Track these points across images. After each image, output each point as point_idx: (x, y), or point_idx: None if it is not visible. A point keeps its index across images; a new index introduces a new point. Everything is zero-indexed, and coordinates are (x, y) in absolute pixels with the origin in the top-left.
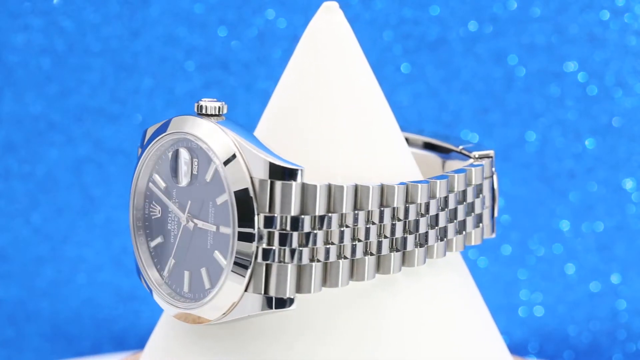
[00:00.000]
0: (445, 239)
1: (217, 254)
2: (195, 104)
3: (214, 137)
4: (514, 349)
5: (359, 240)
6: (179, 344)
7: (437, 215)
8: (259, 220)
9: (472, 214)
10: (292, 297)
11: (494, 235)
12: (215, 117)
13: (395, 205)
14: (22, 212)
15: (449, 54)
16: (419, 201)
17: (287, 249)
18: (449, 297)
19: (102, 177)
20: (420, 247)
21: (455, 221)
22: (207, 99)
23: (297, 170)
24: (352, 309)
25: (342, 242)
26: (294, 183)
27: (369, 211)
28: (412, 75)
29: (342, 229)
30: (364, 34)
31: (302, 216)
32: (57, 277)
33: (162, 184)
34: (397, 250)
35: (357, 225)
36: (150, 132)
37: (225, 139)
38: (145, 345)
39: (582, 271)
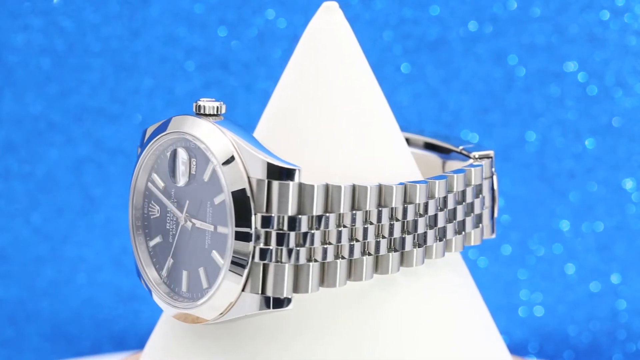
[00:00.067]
0: (444, 239)
1: (215, 254)
2: (194, 104)
3: (212, 137)
4: (514, 349)
5: (357, 240)
6: (179, 344)
7: (435, 216)
8: (256, 220)
9: (472, 214)
10: (289, 297)
11: (494, 236)
12: (214, 117)
13: (393, 206)
14: (22, 212)
15: (449, 54)
16: (417, 201)
17: (285, 249)
18: (448, 297)
19: (102, 177)
20: (418, 247)
21: (454, 221)
22: (205, 99)
23: (294, 170)
24: (350, 309)
25: (340, 242)
26: (291, 183)
27: (367, 211)
28: (412, 75)
29: (339, 229)
30: (364, 34)
31: (300, 216)
32: (57, 277)
33: (161, 184)
34: (396, 251)
35: (355, 225)
36: (149, 131)
37: (223, 139)
38: (145, 345)
39: (582, 271)
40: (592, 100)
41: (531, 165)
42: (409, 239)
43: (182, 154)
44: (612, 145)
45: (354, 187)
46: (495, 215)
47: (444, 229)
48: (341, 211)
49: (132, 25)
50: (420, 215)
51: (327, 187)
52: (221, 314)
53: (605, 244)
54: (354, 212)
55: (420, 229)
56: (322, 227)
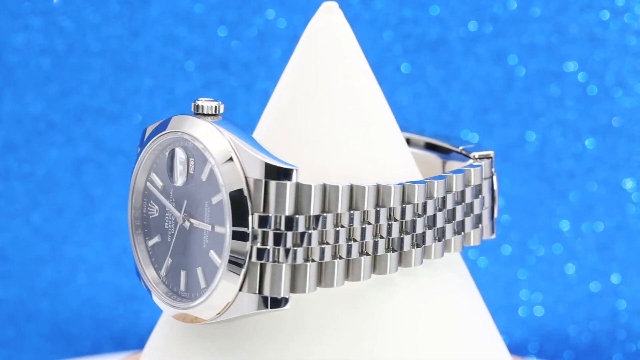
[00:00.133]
0: (443, 240)
1: (213, 254)
2: (192, 104)
3: (210, 137)
4: (514, 349)
5: (355, 241)
6: (179, 344)
7: (434, 216)
8: (253, 220)
9: (471, 214)
10: (286, 296)
11: (493, 236)
12: (212, 117)
13: (391, 206)
14: (22, 212)
15: (449, 54)
16: (415, 201)
17: (282, 249)
18: (447, 298)
19: (102, 177)
20: (417, 247)
21: (453, 222)
22: (204, 99)
23: (292, 170)
24: (348, 309)
25: (338, 242)
26: (288, 183)
27: (364, 211)
28: (412, 75)
29: (337, 229)
30: (364, 34)
31: (297, 216)
32: (57, 277)
33: (160, 183)
34: (394, 251)
35: (352, 226)
36: (149, 130)
37: (221, 139)
38: (145, 345)
39: (582, 271)
40: (592, 100)
41: (531, 165)
42: (407, 239)
43: (180, 154)
44: (612, 145)
45: (351, 187)
46: (495, 215)
47: (442, 229)
48: (339, 211)
49: (132, 25)
50: (419, 216)
51: (324, 187)
52: (218, 313)
53: (605, 244)
54: (351, 212)
55: (419, 229)
56: (319, 227)
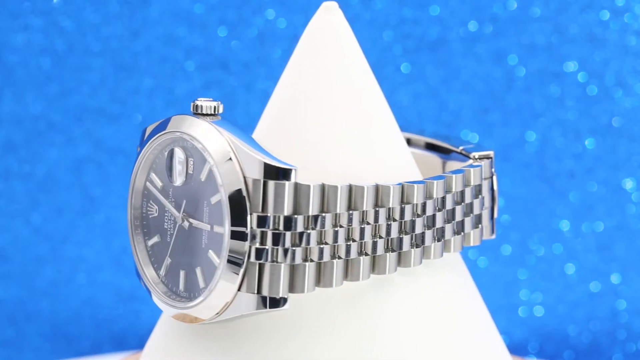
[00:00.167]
0: (442, 240)
1: (211, 254)
2: (192, 104)
3: (209, 137)
4: (514, 349)
5: (354, 241)
6: (178, 344)
7: (434, 216)
8: (251, 220)
9: (471, 214)
10: (285, 296)
11: (493, 237)
12: (211, 117)
13: (390, 206)
14: (22, 212)
15: (449, 54)
16: (415, 202)
17: (280, 249)
18: (447, 298)
19: (102, 177)
20: (416, 247)
21: (452, 222)
22: (203, 99)
23: (290, 170)
24: (348, 309)
25: (336, 242)
26: (286, 183)
27: (363, 211)
28: (412, 75)
29: (336, 229)
30: (364, 34)
31: (295, 216)
32: (57, 277)
33: (159, 183)
34: (393, 251)
35: (351, 226)
36: (149, 130)
37: (219, 139)
38: (145, 345)
39: (582, 271)
40: (592, 100)
41: (531, 165)
42: (406, 239)
43: (178, 154)
44: (612, 145)
45: (350, 187)
46: (495, 215)
47: (442, 230)
48: (337, 211)
49: (132, 25)
50: (418, 216)
51: (323, 187)
52: (217, 313)
53: (605, 244)
54: (350, 212)
55: (418, 229)
56: (318, 227)
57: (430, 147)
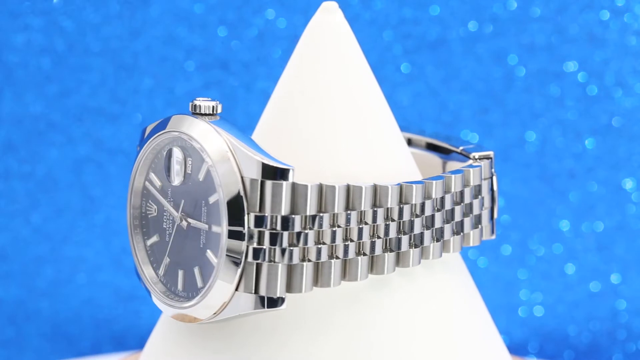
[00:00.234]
0: (441, 240)
1: (209, 253)
2: (190, 104)
3: (207, 137)
4: (514, 349)
5: (352, 241)
6: (178, 344)
7: (432, 216)
8: (249, 220)
9: (470, 215)
10: (282, 296)
11: (493, 237)
12: (210, 117)
13: (389, 206)
14: (22, 212)
15: (449, 54)
16: (413, 202)
17: (278, 249)
18: (446, 298)
19: (102, 177)
20: (415, 247)
21: (452, 222)
22: (201, 99)
23: (288, 170)
24: (346, 309)
25: (334, 242)
26: (284, 183)
27: (361, 211)
28: (412, 75)
29: (333, 229)
30: (364, 34)
31: (293, 216)
32: (57, 277)
33: (158, 183)
34: (391, 251)
35: (349, 226)
36: (148, 130)
37: (218, 139)
38: (145, 345)
39: (582, 271)
40: (592, 100)
41: (531, 165)
42: (405, 239)
43: (177, 153)
44: (612, 145)
45: (348, 187)
46: (495, 216)
47: (441, 230)
48: (335, 211)
49: (132, 25)
50: (417, 216)
51: (320, 187)
52: (215, 313)
53: (605, 244)
54: (348, 212)
55: (417, 229)
56: (315, 227)
57: (430, 147)
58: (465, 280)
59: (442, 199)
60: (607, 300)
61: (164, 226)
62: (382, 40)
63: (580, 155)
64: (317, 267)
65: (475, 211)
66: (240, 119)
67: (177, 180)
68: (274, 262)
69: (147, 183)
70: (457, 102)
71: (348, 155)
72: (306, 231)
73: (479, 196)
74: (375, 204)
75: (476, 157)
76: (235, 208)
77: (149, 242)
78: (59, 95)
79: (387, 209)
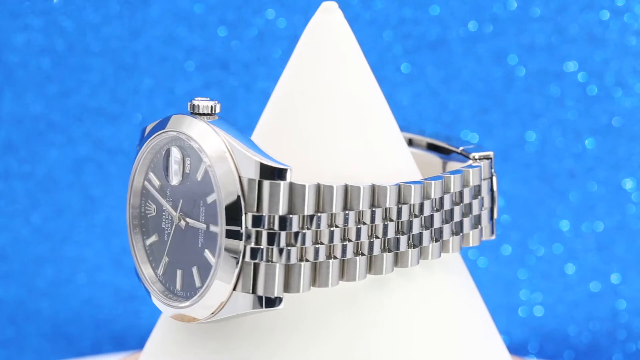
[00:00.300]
0: (440, 240)
1: (207, 253)
2: (189, 103)
3: (205, 136)
4: (514, 349)
5: (350, 241)
6: (178, 344)
7: (431, 216)
8: (246, 220)
9: (470, 215)
10: (280, 296)
11: (493, 237)
12: (208, 117)
13: (387, 206)
14: (22, 212)
15: (449, 54)
16: (412, 202)
17: (275, 249)
18: (446, 298)
19: (102, 177)
20: (413, 247)
21: (451, 222)
22: (200, 98)
23: (286, 170)
24: (345, 309)
25: (332, 242)
26: (282, 183)
27: (359, 211)
28: (412, 75)
29: (331, 229)
30: (364, 34)
31: (290, 216)
32: (57, 277)
33: (157, 183)
34: (390, 251)
35: (347, 226)
36: (148, 129)
37: (216, 139)
38: (144, 345)
39: (582, 271)
40: (592, 100)
41: (531, 165)
42: (403, 239)
43: (175, 153)
44: (612, 145)
45: (346, 187)
46: (495, 216)
47: (440, 230)
48: (333, 211)
49: (132, 25)
50: (416, 216)
51: (318, 187)
52: (212, 313)
53: (605, 244)
54: (346, 212)
55: (415, 229)
56: (313, 227)
57: (431, 147)
58: (465, 280)
59: (441, 199)
60: (607, 300)
61: (163, 226)
62: (382, 40)
63: (580, 155)
64: (315, 267)
65: (475, 211)
66: (240, 119)
67: (175, 180)
68: (272, 262)
69: (146, 183)
70: (457, 102)
71: (348, 155)
72: (304, 231)
73: (479, 196)
74: (373, 204)
75: (476, 157)
76: (233, 208)
77: (148, 242)
78: (59, 95)
79: (386, 209)
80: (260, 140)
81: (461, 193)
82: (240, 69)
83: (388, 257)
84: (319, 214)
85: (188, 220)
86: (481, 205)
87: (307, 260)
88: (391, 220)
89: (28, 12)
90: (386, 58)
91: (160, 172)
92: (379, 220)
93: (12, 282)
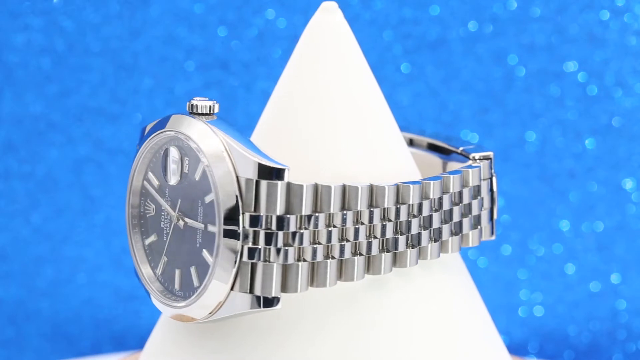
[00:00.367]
0: (439, 240)
1: (205, 253)
2: (188, 103)
3: (203, 136)
4: (514, 349)
5: (347, 241)
6: (178, 344)
7: (430, 217)
8: (244, 219)
9: (469, 215)
10: (277, 296)
11: (493, 237)
12: (207, 117)
13: (385, 206)
14: (22, 212)
15: (449, 54)
16: (410, 202)
17: (273, 248)
18: (445, 298)
19: (102, 177)
20: (412, 248)
21: (450, 222)
22: (199, 98)
23: (283, 169)
24: (344, 309)
25: (330, 242)
26: (279, 183)
27: (358, 211)
28: (412, 75)
29: (329, 229)
30: (364, 34)
31: (288, 216)
32: (57, 277)
33: (156, 182)
34: (388, 251)
35: (345, 226)
36: (148, 129)
37: (214, 139)
38: (144, 345)
39: (582, 271)
40: (592, 100)
41: (531, 165)
42: (402, 239)
43: (173, 153)
44: (612, 145)
45: (344, 187)
46: (495, 217)
47: (439, 230)
48: (331, 211)
49: (132, 25)
50: (414, 216)
51: (316, 187)
52: (210, 313)
53: (605, 244)
54: (344, 212)
55: (414, 229)
56: (311, 227)
57: (431, 147)
58: (464, 281)
59: (440, 199)
60: (607, 300)
61: (162, 225)
62: (382, 40)
63: (580, 155)
64: (312, 267)
65: (474, 212)
66: (240, 119)
67: (173, 179)
68: (269, 261)
69: (145, 182)
70: (457, 102)
71: (348, 155)
72: (301, 231)
73: (478, 197)
74: (371, 204)
75: (476, 157)
76: (230, 208)
77: (147, 242)
78: (59, 95)
79: (384, 209)
80: (260, 140)
81: (460, 193)
82: (240, 69)
83: (386, 257)
84: (316, 214)
85: (186, 220)
86: (481, 205)
87: (304, 260)
88: (389, 220)
89: (28, 12)
90: (386, 58)
91: (159, 171)
92: (377, 221)
93: (12, 282)
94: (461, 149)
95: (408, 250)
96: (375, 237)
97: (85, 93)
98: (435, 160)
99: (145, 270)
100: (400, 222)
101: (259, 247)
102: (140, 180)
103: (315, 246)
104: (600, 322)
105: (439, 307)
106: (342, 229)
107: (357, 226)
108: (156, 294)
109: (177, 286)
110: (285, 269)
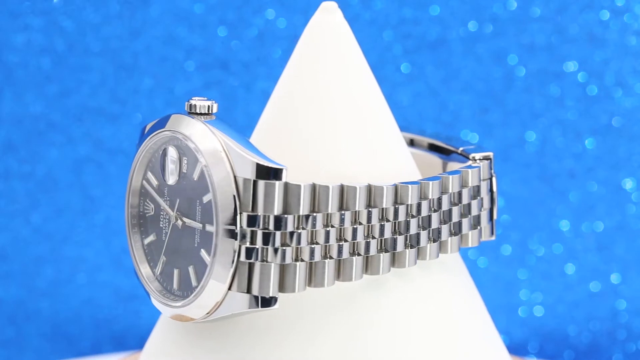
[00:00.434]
0: (438, 241)
1: (203, 253)
2: (186, 103)
3: (202, 136)
4: (514, 349)
5: (345, 241)
6: (178, 344)
7: (429, 217)
8: (241, 219)
9: (469, 215)
10: (275, 296)
11: (493, 238)
12: (205, 116)
13: (383, 206)
14: (22, 212)
15: (449, 54)
16: (409, 202)
17: (270, 248)
18: (444, 298)
19: (102, 177)
20: (411, 248)
21: (449, 223)
22: (197, 98)
23: (281, 170)
24: (343, 309)
25: (328, 242)
26: (277, 183)
27: (356, 211)
28: (412, 75)
29: (327, 229)
30: (364, 34)
31: (286, 215)
32: (57, 277)
33: (155, 182)
34: (386, 251)
35: (343, 226)
36: (147, 128)
37: (212, 139)
38: (144, 345)
39: (582, 271)
40: (592, 100)
41: (531, 165)
42: (400, 239)
43: (171, 153)
44: (612, 145)
45: (342, 187)
46: (495, 217)
47: (438, 230)
48: (329, 211)
49: (132, 25)
50: (413, 216)
51: (314, 187)
52: (208, 312)
53: (605, 244)
54: (342, 212)
55: (413, 229)
56: (309, 227)
57: (432, 147)
58: (464, 281)
59: (439, 199)
60: (607, 300)
61: (161, 225)
62: (382, 40)
63: (580, 155)
64: (310, 267)
65: (474, 212)
66: (240, 119)
67: (172, 179)
68: (267, 261)
69: (144, 182)
70: (457, 102)
71: (348, 155)
72: (299, 231)
73: (478, 197)
74: (370, 204)
75: (476, 157)
76: (228, 208)
77: (146, 241)
78: (59, 95)
79: (382, 209)
80: (260, 140)
81: (460, 194)
82: (240, 69)
83: (385, 257)
84: (314, 214)
85: (185, 219)
86: (480, 205)
87: (302, 260)
88: (388, 220)
89: (28, 12)
90: (386, 58)
91: (158, 171)
92: (375, 221)
93: (12, 282)
94: (461, 149)
95: (407, 250)
96: (373, 237)
97: (85, 93)
98: (435, 160)
99: (144, 270)
100: (398, 222)
101: (257, 247)
102: (140, 180)
103: (313, 246)
104: (600, 322)
105: (438, 307)
106: (340, 229)
107: (355, 226)
108: (155, 293)
109: (175, 286)
110: (283, 269)
